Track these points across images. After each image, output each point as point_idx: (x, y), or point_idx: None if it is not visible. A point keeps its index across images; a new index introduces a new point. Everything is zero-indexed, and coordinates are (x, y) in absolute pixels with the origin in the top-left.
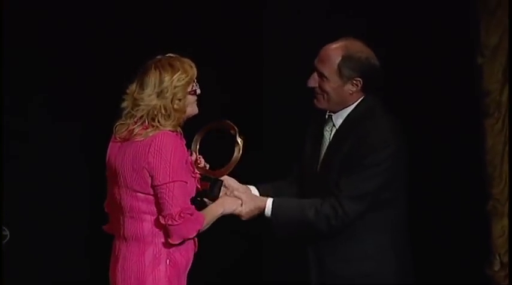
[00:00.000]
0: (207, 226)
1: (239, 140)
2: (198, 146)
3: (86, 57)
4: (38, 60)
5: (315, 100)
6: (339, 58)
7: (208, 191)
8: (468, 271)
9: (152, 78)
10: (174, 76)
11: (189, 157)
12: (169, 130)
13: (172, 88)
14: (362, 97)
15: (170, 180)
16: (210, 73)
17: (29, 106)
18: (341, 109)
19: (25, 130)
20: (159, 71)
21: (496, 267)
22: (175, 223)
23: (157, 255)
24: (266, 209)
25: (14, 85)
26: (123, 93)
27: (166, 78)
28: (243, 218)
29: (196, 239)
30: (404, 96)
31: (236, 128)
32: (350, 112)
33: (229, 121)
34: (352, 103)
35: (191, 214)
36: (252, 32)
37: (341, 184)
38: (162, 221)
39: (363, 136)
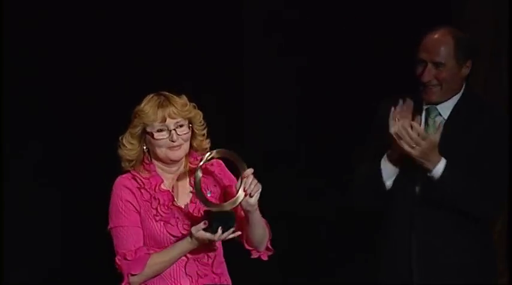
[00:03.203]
0: (169, 262)
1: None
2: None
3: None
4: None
5: (426, 94)
6: (453, 42)
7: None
8: None
9: None
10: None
11: (159, 197)
12: (128, 174)
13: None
14: (465, 85)
15: (109, 226)
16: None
17: None
18: (448, 99)
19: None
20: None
21: None
22: (117, 266)
23: None
24: (439, 165)
25: None
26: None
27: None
28: (414, 155)
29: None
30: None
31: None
32: (458, 102)
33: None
34: (459, 91)
35: (125, 258)
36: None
37: (492, 175)
38: None
39: (492, 127)
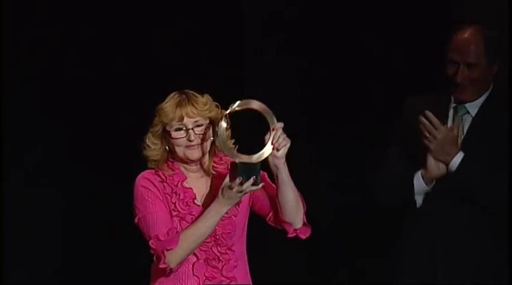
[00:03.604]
0: (203, 229)
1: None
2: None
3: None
4: None
5: (458, 94)
6: (483, 41)
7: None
8: None
9: None
10: (158, 107)
11: (180, 193)
12: (151, 170)
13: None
14: (492, 82)
15: (137, 218)
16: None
17: None
18: (479, 97)
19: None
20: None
21: None
22: (152, 251)
23: None
24: (456, 158)
25: None
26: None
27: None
28: (431, 146)
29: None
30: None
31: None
32: (486, 100)
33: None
34: (488, 89)
35: (159, 239)
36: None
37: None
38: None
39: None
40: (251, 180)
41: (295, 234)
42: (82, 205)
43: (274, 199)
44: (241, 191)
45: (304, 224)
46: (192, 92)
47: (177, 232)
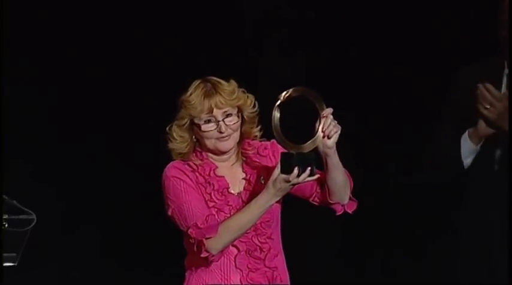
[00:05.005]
0: (247, 218)
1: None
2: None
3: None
4: None
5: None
6: None
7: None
8: None
9: None
10: (183, 98)
11: (214, 183)
12: (179, 160)
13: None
14: None
15: (170, 210)
16: None
17: None
18: None
19: None
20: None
21: None
22: (192, 240)
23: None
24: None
25: None
26: None
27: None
28: (490, 117)
29: (244, 268)
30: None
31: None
32: None
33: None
34: None
35: (198, 227)
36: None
37: None
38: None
39: None
40: (307, 171)
41: (342, 211)
42: (83, 205)
43: (316, 181)
44: (297, 183)
45: (350, 198)
46: (216, 79)
47: (217, 220)
